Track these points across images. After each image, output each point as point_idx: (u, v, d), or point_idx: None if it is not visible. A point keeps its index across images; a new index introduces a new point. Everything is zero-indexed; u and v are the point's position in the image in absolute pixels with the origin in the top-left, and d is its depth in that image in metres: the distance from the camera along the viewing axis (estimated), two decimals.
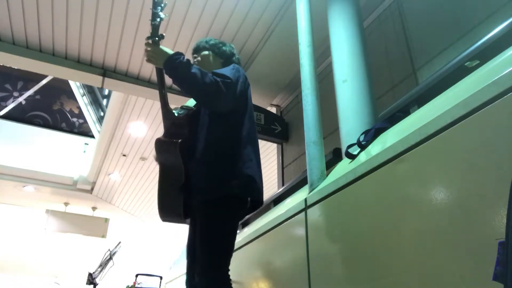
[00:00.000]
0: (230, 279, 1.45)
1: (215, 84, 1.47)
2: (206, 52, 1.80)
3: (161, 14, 1.55)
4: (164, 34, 1.58)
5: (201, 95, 1.52)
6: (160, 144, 1.61)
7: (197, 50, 1.83)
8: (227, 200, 1.49)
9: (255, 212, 1.75)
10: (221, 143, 1.56)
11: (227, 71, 1.58)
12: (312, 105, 1.79)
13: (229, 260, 1.48)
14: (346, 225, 1.36)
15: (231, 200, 1.49)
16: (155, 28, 1.56)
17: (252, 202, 1.61)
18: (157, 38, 1.56)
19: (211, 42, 1.82)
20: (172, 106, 1.66)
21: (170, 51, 1.54)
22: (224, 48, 1.82)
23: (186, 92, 1.57)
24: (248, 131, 1.62)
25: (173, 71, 1.51)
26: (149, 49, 1.56)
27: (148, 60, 1.58)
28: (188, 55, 1.64)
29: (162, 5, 1.56)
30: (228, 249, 1.48)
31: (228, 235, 1.50)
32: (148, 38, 1.57)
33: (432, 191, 1.00)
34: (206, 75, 1.47)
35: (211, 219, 1.48)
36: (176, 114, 1.65)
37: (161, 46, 1.56)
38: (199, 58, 1.80)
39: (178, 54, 1.52)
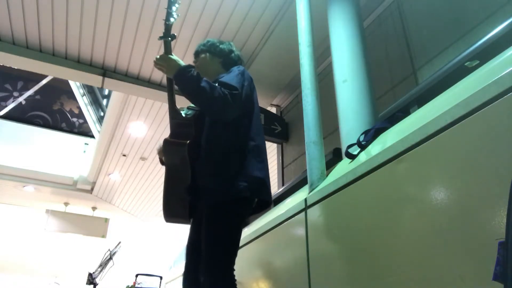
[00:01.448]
0: (236, 279, 1.45)
1: (223, 98, 1.47)
2: (203, 55, 1.80)
3: (175, 14, 1.56)
4: (176, 35, 1.58)
5: (208, 108, 1.52)
6: (168, 145, 1.60)
7: (196, 55, 1.84)
8: (235, 202, 1.49)
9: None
10: (228, 145, 1.56)
11: (233, 79, 1.57)
12: (312, 105, 1.78)
13: (234, 260, 1.48)
14: (346, 225, 1.35)
15: (239, 202, 1.50)
16: (168, 28, 1.57)
17: (260, 202, 1.61)
18: (169, 38, 1.57)
19: (209, 43, 1.82)
20: (178, 106, 1.67)
21: (181, 63, 1.55)
22: (221, 46, 1.81)
23: (193, 104, 1.59)
24: (255, 132, 1.62)
25: (182, 84, 1.52)
26: (159, 62, 1.57)
27: (159, 69, 1.60)
28: (188, 56, 1.65)
29: (177, 5, 1.56)
30: (233, 249, 1.48)
31: (234, 235, 1.50)
32: (160, 37, 1.58)
33: (432, 191, 1.00)
34: (214, 89, 1.47)
35: (218, 221, 1.48)
36: (183, 115, 1.65)
37: (174, 56, 1.57)
38: (197, 63, 1.80)
39: (190, 67, 1.53)
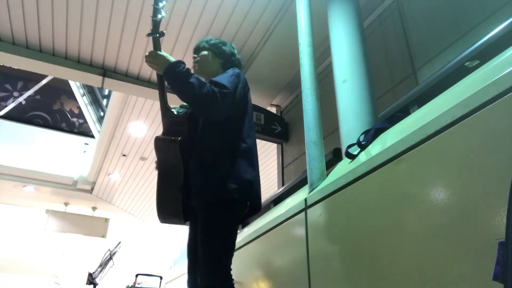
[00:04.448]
0: (233, 279, 1.45)
1: (211, 95, 1.46)
2: (205, 52, 1.78)
3: (162, 11, 1.55)
4: (164, 32, 1.58)
5: (196, 104, 1.52)
6: (159, 142, 1.60)
7: (197, 50, 1.82)
8: (227, 203, 1.49)
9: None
10: (220, 146, 1.55)
11: (225, 78, 1.57)
12: (312, 105, 1.78)
13: (231, 260, 1.48)
14: (346, 225, 1.35)
15: (230, 203, 1.50)
16: (155, 24, 1.56)
17: (250, 206, 1.61)
18: (157, 35, 1.56)
19: (212, 42, 1.81)
20: (171, 105, 1.66)
21: (171, 59, 1.55)
22: (224, 48, 1.80)
23: (182, 100, 1.57)
24: (247, 134, 1.62)
25: (172, 79, 1.52)
26: (149, 59, 1.57)
27: (150, 66, 1.60)
28: (188, 55, 1.65)
29: (164, 1, 1.55)
30: (229, 249, 1.48)
31: (229, 236, 1.50)
32: (148, 34, 1.57)
33: (432, 191, 1.00)
34: (203, 85, 1.47)
35: (211, 221, 1.48)
36: (175, 113, 1.65)
37: (163, 53, 1.56)
38: (198, 58, 1.79)
39: (179, 63, 1.52)
